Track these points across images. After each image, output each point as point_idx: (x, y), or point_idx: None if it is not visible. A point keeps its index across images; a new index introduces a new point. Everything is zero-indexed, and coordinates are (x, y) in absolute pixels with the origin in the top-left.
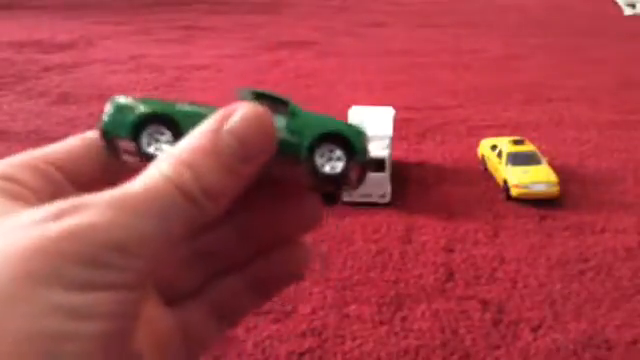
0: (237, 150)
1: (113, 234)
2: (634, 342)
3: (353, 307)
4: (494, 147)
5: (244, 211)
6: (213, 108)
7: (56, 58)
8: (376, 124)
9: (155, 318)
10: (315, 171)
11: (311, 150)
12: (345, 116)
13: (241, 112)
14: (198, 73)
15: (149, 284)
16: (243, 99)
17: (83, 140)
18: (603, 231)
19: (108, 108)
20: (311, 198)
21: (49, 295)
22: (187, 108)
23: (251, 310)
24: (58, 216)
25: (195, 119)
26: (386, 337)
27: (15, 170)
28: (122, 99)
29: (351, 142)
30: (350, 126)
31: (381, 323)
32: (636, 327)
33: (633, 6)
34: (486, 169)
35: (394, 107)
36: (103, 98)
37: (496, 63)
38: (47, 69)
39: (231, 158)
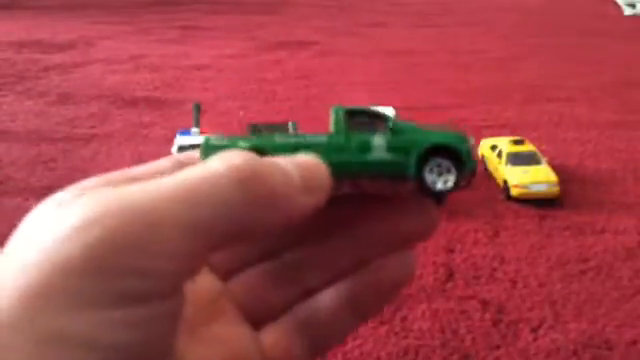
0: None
1: (127, 229)
2: (634, 342)
3: None
4: (494, 147)
5: (355, 222)
6: (304, 137)
7: (56, 58)
8: None
9: (232, 338)
10: (427, 187)
11: (419, 166)
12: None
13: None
14: (198, 73)
15: (187, 296)
16: (336, 116)
17: (173, 162)
18: (603, 231)
19: (201, 149)
20: (426, 203)
21: (42, 319)
22: (280, 141)
23: (346, 334)
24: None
25: (287, 153)
26: (386, 337)
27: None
28: (214, 139)
29: (459, 152)
30: (454, 135)
31: (381, 323)
32: (636, 327)
33: (633, 6)
34: (486, 169)
35: (394, 107)
36: (103, 98)
37: (496, 63)
38: (47, 69)
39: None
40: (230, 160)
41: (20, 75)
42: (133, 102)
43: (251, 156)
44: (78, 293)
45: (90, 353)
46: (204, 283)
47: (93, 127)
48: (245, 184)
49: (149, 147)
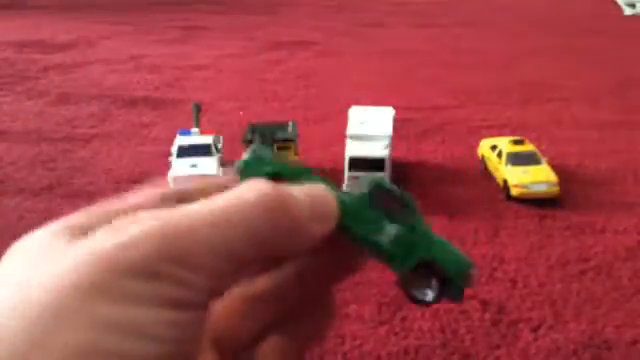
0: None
1: (171, 244)
2: (634, 342)
3: (353, 307)
4: (494, 147)
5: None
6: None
7: (56, 58)
8: (376, 124)
9: None
10: (406, 287)
11: (409, 270)
12: (345, 115)
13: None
14: (198, 73)
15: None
16: (369, 190)
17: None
18: (603, 231)
19: (239, 170)
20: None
21: (98, 307)
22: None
23: None
24: (115, 229)
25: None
26: (386, 337)
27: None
28: (250, 161)
29: (451, 279)
30: (459, 261)
31: (381, 323)
32: (636, 327)
33: (633, 6)
34: (486, 169)
35: (394, 107)
36: (103, 98)
37: (496, 63)
38: (47, 69)
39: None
40: (260, 190)
41: (20, 75)
42: (133, 102)
43: (277, 187)
44: (129, 291)
45: (140, 341)
46: None
47: (93, 127)
48: (272, 213)
49: (149, 147)
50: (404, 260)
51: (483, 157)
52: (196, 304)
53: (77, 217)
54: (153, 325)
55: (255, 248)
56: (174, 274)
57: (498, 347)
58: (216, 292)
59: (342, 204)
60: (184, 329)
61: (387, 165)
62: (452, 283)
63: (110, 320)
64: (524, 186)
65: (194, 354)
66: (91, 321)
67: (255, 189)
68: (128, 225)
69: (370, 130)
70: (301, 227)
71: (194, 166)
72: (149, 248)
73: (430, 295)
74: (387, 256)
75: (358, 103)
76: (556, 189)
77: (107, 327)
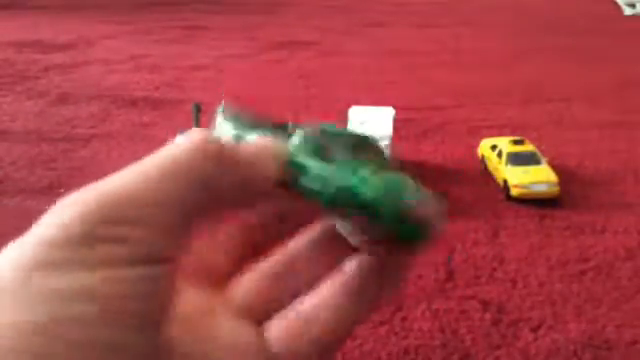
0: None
1: (105, 207)
2: (634, 342)
3: None
4: (494, 147)
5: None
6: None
7: (56, 58)
8: (376, 124)
9: (233, 333)
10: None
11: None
12: (345, 115)
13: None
14: (198, 73)
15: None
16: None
17: None
18: (603, 231)
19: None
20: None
21: (45, 280)
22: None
23: (351, 325)
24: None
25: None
26: (386, 337)
27: None
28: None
29: (374, 208)
30: (386, 186)
31: (381, 323)
32: (636, 327)
33: (633, 6)
34: (486, 169)
35: (394, 107)
36: (103, 98)
37: (496, 63)
38: (47, 69)
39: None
40: (193, 136)
41: (20, 75)
42: (133, 102)
43: (211, 133)
44: (65, 261)
45: (90, 304)
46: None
47: (93, 127)
48: (207, 153)
49: (149, 147)
50: (320, 195)
51: (483, 157)
52: (146, 260)
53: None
54: (106, 284)
55: (200, 194)
56: (114, 234)
57: (498, 347)
58: (177, 245)
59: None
60: (138, 284)
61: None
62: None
63: (53, 290)
64: (524, 186)
65: (165, 310)
66: (28, 296)
67: (189, 137)
68: (68, 207)
69: (370, 130)
70: (248, 165)
71: None
72: (76, 213)
73: (349, 229)
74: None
75: (358, 103)
76: (556, 189)
77: (52, 297)
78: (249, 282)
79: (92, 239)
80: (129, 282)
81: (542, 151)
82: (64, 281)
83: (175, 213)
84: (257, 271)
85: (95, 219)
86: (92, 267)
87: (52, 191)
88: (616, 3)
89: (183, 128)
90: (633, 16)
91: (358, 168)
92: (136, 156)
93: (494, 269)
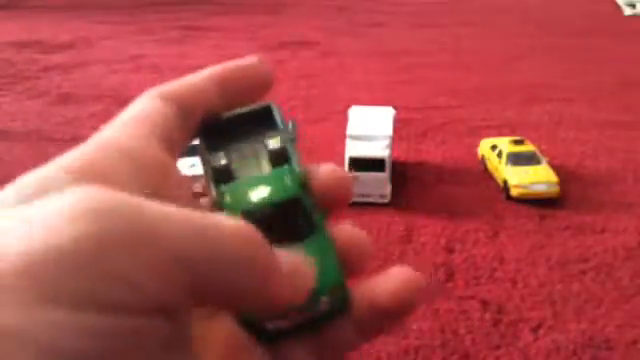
0: None
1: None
2: (634, 342)
3: None
4: (494, 147)
5: None
6: None
7: (56, 58)
8: (376, 124)
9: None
10: None
11: None
12: (345, 115)
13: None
14: None
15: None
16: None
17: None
18: (603, 231)
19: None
20: None
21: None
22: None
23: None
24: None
25: None
26: (386, 337)
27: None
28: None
29: None
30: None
31: None
32: (636, 327)
33: (633, 6)
34: (486, 169)
35: (394, 107)
36: (103, 98)
37: (496, 63)
38: (47, 69)
39: None
40: (244, 229)
41: (20, 75)
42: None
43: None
44: (53, 287)
45: (24, 350)
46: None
47: (93, 127)
48: (250, 250)
49: None
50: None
51: (483, 157)
52: (147, 310)
53: None
54: (69, 335)
55: (222, 282)
56: (123, 272)
57: (498, 347)
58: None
59: None
60: (118, 337)
61: (387, 165)
62: None
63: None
64: (524, 186)
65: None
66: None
67: (240, 225)
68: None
69: (370, 130)
70: (273, 281)
71: (193, 166)
72: (89, 232)
73: None
74: None
75: (358, 103)
76: (556, 189)
77: None
78: None
79: (97, 272)
80: (107, 335)
81: (542, 151)
82: (21, 319)
83: (190, 286)
84: None
85: (108, 248)
86: (79, 307)
87: None
88: (616, 3)
89: None
90: (633, 16)
91: None
92: None
93: (494, 269)
